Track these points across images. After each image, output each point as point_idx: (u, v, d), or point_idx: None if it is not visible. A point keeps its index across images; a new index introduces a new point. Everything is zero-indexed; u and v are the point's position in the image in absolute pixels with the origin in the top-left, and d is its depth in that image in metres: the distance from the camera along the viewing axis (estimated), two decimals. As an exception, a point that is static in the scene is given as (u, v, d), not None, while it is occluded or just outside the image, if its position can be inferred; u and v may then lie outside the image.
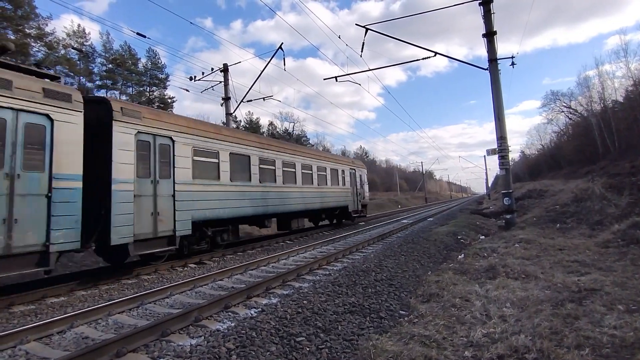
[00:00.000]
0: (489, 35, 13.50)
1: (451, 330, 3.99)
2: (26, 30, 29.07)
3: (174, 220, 8.07)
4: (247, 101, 18.92)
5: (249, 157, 11.19)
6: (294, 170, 13.80)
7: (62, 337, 4.43)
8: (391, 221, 21.61)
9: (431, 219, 21.70)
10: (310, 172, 15.12)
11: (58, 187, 5.96)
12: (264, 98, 18.98)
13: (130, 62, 40.00)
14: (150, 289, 6.31)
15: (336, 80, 17.07)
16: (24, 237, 5.51)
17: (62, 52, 33.35)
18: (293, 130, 58.82)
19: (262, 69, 18.96)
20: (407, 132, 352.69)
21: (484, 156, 54.88)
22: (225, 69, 18.18)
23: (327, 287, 5.83)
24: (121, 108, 7.30)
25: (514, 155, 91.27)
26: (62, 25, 38.89)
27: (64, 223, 5.98)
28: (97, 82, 38.58)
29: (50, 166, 5.92)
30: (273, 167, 12.46)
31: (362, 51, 15.53)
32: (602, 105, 42.97)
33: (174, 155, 8.32)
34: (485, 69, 13.79)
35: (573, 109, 50.46)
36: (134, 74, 40.68)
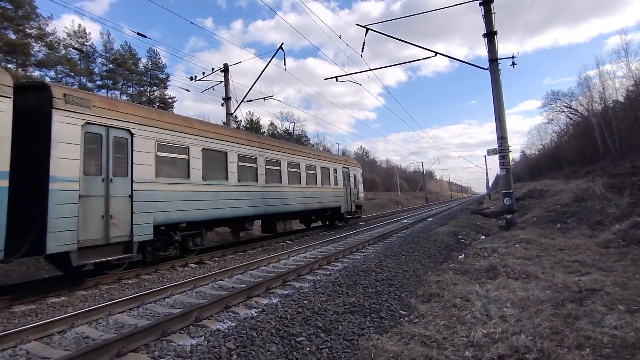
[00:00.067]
0: (490, 35, 13.49)
1: (452, 330, 3.99)
2: (27, 30, 29.16)
3: (131, 224, 7.12)
4: (248, 101, 18.95)
5: (226, 153, 10.18)
6: (278, 168, 12.84)
7: (62, 336, 4.44)
8: (391, 221, 21.60)
9: (431, 219, 21.69)
10: (298, 170, 14.19)
11: None
12: (264, 98, 19.01)
13: (130, 62, 40.03)
14: (151, 289, 6.32)
15: (337, 80, 17.08)
16: None
17: (63, 52, 33.47)
18: (293, 130, 58.90)
19: (262, 69, 19.00)
20: (408, 132, 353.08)
21: (485, 156, 54.90)
22: (225, 69, 18.18)
23: (328, 287, 5.83)
24: (64, 95, 6.36)
25: (514, 155, 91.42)
26: (62, 25, 39.13)
27: None
28: (98, 82, 38.67)
29: None
30: (254, 165, 11.47)
31: (362, 51, 15.53)
32: (602, 105, 42.96)
33: (132, 150, 7.37)
34: (485, 69, 13.79)
35: (574, 109, 50.46)
36: (134, 74, 40.72)
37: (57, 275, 7.50)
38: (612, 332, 3.64)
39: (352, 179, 19.27)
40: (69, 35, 35.78)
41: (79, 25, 37.08)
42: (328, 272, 7.54)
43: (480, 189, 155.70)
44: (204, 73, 18.06)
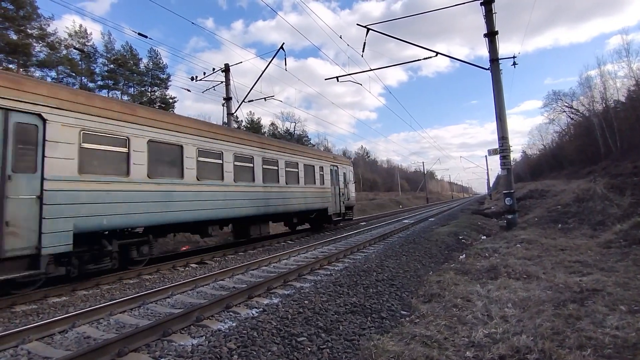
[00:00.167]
0: (491, 35, 13.47)
1: (453, 331, 3.99)
2: (28, 30, 29.24)
3: (39, 233, 5.71)
4: (249, 101, 18.95)
5: (182, 147, 8.75)
6: (251, 165, 11.34)
7: (63, 336, 4.44)
8: (392, 221, 21.58)
9: (432, 219, 21.68)
10: (276, 168, 12.65)
11: None
12: (265, 98, 18.99)
13: (131, 62, 40.09)
14: (152, 289, 6.33)
15: (337, 81, 17.06)
16: None
17: (64, 52, 33.54)
18: (294, 130, 58.96)
19: (263, 69, 18.96)
20: (409, 132, 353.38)
21: (486, 156, 54.83)
22: (226, 69, 18.19)
23: (329, 287, 5.83)
24: None
25: (515, 155, 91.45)
26: (64, 25, 39.28)
27: None
28: (99, 82, 38.76)
29: None
30: (220, 161, 9.99)
31: (363, 51, 15.52)
32: (604, 105, 42.94)
33: (44, 140, 5.98)
34: (486, 69, 13.76)
35: (575, 109, 50.45)
36: (135, 74, 40.78)
37: (57, 275, 7.49)
38: (614, 333, 3.63)
39: (341, 178, 17.91)
40: (70, 35, 35.90)
41: (80, 26, 37.20)
42: (329, 272, 7.54)
43: (481, 189, 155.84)
44: (204, 73, 18.08)
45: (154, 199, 7.84)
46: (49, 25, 31.16)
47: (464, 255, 8.68)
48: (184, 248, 12.50)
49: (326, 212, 15.91)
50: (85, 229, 6.44)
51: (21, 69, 28.44)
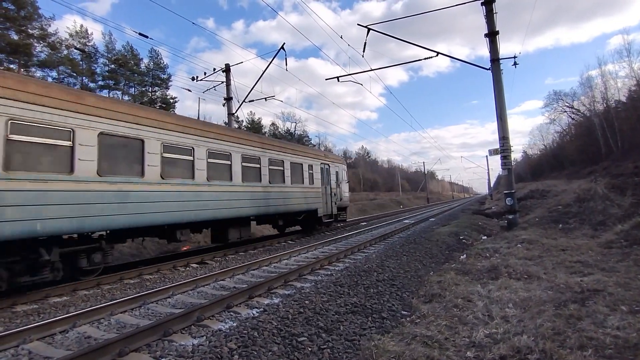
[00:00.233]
0: (491, 35, 13.46)
1: (453, 331, 3.99)
2: (29, 30, 29.28)
3: None
4: (249, 101, 18.94)
5: (142, 141, 7.71)
6: (228, 162, 10.29)
7: (64, 336, 4.45)
8: (393, 221, 21.58)
9: (433, 219, 21.67)
10: (258, 166, 11.63)
11: None
12: (265, 98, 18.99)
13: (132, 62, 40.10)
14: (153, 289, 6.33)
15: (338, 81, 17.06)
16: None
17: (65, 52, 33.58)
18: (295, 130, 58.97)
19: (264, 69, 18.96)
20: (409, 132, 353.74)
21: (486, 156, 54.93)
22: (227, 69, 18.21)
23: (329, 287, 5.83)
24: None
25: (516, 155, 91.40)
26: (64, 25, 39.31)
27: None
28: (100, 83, 38.76)
29: None
30: (190, 158, 8.97)
31: (364, 51, 15.53)
32: (604, 105, 42.88)
33: None
34: (487, 69, 13.76)
35: (576, 109, 50.39)
36: (136, 74, 40.80)
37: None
38: (615, 333, 3.63)
39: (333, 177, 16.85)
40: (71, 35, 35.91)
41: (81, 26, 37.19)
42: (329, 272, 7.54)
43: (482, 189, 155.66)
44: (205, 73, 18.10)
45: (107, 200, 6.88)
46: (50, 26, 31.26)
47: (465, 255, 8.67)
48: (185, 248, 12.52)
49: (316, 214, 14.93)
50: (11, 236, 5.46)
51: (22, 69, 28.49)
